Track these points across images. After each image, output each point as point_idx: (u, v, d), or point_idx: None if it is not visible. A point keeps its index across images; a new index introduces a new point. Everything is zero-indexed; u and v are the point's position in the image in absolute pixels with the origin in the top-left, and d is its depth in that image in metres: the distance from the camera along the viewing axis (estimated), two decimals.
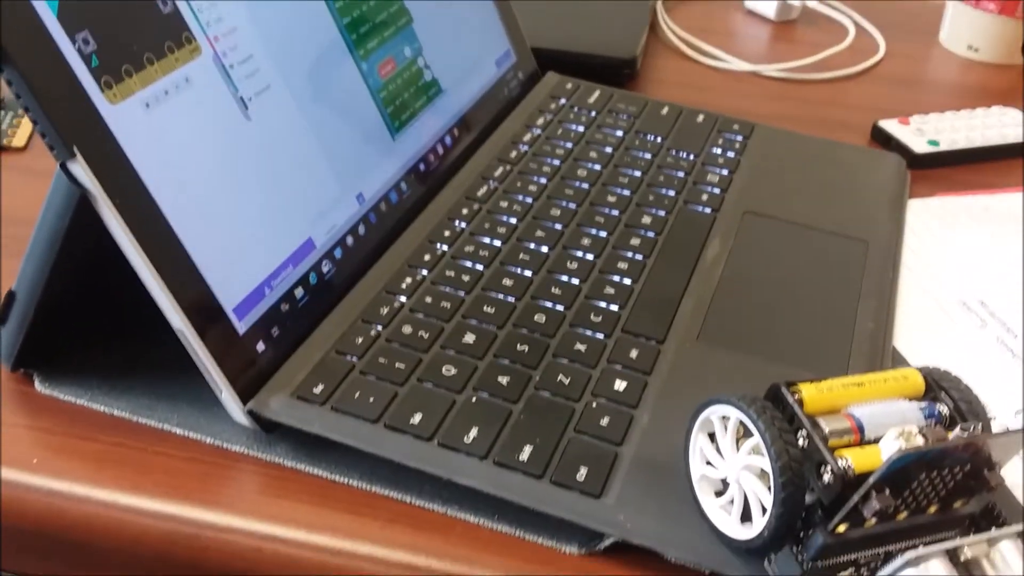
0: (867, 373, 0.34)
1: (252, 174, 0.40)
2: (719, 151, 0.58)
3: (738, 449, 0.33)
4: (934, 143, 0.62)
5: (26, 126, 0.59)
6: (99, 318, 0.42)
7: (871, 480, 0.29)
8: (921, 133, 0.63)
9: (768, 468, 0.31)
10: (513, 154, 0.56)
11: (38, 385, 0.41)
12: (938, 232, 0.54)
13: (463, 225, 0.49)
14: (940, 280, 0.50)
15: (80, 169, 0.33)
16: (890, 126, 0.64)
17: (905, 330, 0.46)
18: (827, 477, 0.31)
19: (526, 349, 0.42)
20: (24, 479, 0.38)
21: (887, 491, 0.30)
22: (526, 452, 0.37)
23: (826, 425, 0.32)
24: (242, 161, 0.40)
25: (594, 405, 0.39)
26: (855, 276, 0.49)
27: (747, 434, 0.33)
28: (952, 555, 0.30)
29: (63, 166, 0.34)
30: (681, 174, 0.56)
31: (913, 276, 0.50)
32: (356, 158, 0.47)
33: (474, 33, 0.59)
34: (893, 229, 0.53)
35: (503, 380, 0.40)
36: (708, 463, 0.35)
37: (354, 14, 0.48)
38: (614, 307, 0.45)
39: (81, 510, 0.37)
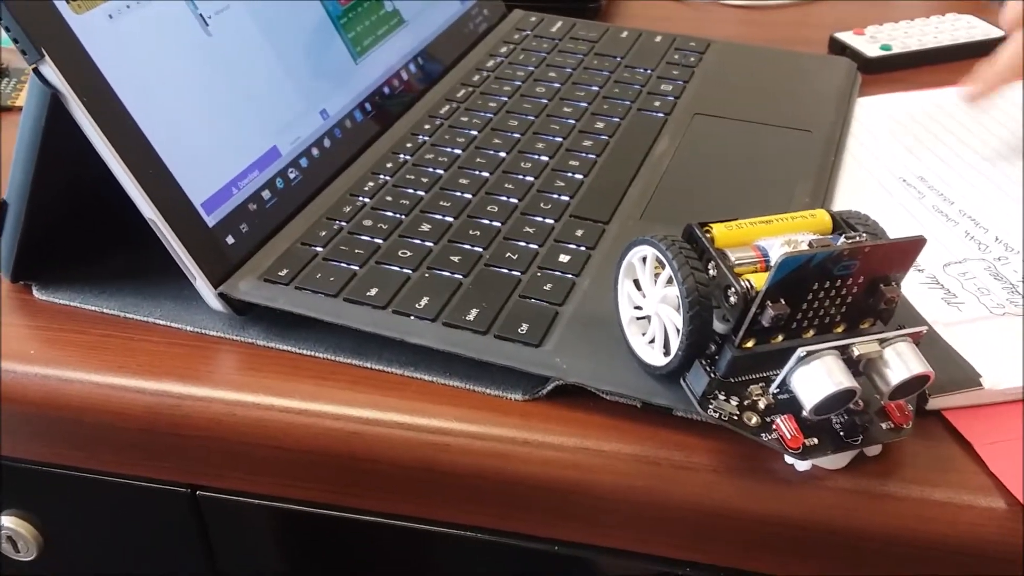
0: (777, 215, 0.37)
1: (215, 84, 0.44)
2: (675, 64, 0.61)
3: (656, 284, 0.36)
4: (886, 47, 0.64)
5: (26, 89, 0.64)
6: (88, 229, 0.46)
7: (763, 287, 0.32)
8: (875, 40, 0.65)
9: (679, 293, 0.34)
10: (476, 78, 0.59)
11: (36, 292, 0.45)
12: (884, 123, 0.56)
13: (425, 138, 0.53)
14: (882, 162, 0.52)
15: (49, 70, 0.37)
16: (845, 37, 0.66)
17: (843, 204, 0.49)
18: (732, 299, 0.34)
19: (478, 234, 0.45)
20: (23, 368, 0.41)
21: (782, 300, 0.32)
22: (473, 313, 0.40)
23: (733, 255, 0.35)
24: (205, 72, 0.44)
25: (538, 275, 0.42)
26: (795, 161, 0.51)
27: (663, 269, 0.36)
28: (845, 353, 0.33)
29: (35, 70, 0.38)
30: (637, 86, 0.59)
31: (856, 161, 0.53)
32: (318, 77, 0.50)
33: None
34: (838, 120, 0.55)
35: (454, 259, 0.43)
36: (635, 306, 0.38)
37: None
38: (564, 197, 0.48)
39: (73, 390, 0.41)
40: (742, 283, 0.33)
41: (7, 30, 0.37)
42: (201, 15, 0.44)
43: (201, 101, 0.43)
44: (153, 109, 0.40)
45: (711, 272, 0.35)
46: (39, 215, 0.43)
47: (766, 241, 0.35)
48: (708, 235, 0.36)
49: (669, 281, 0.35)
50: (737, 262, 0.35)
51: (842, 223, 0.37)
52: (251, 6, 0.47)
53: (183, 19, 0.43)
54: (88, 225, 0.46)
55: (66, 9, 0.38)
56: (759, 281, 0.34)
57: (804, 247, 0.33)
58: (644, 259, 0.37)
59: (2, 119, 0.61)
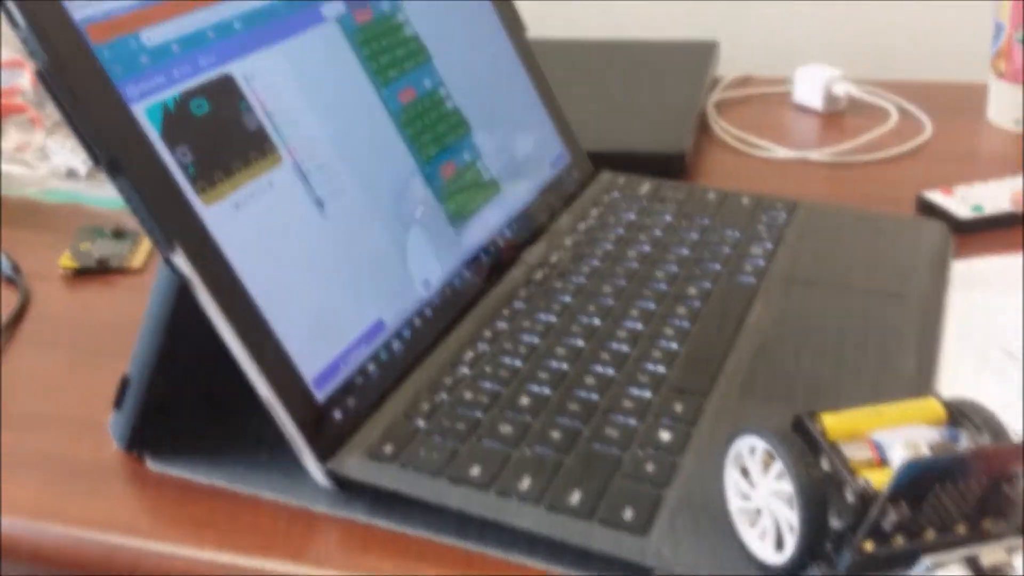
0: (888, 403, 0.37)
1: (328, 263, 0.46)
2: (763, 227, 0.62)
3: (766, 477, 0.36)
4: (978, 208, 0.64)
5: (142, 250, 0.67)
6: (200, 400, 0.48)
7: (884, 493, 0.31)
8: (965, 200, 0.65)
9: (792, 490, 0.34)
10: (568, 242, 0.61)
11: (148, 463, 0.46)
12: (982, 287, 0.56)
13: (521, 305, 0.54)
14: (983, 330, 0.52)
15: (181, 261, 0.40)
16: (934, 196, 0.66)
17: (947, 376, 0.48)
18: (849, 497, 0.33)
19: (577, 408, 0.45)
20: (136, 544, 0.42)
21: (903, 504, 0.32)
22: (576, 496, 0.40)
23: (847, 450, 0.35)
24: (319, 252, 0.46)
25: (640, 454, 0.42)
26: (895, 329, 0.51)
27: (774, 462, 0.35)
28: (973, 564, 0.32)
29: (166, 259, 0.40)
30: (727, 250, 0.59)
31: (957, 329, 0.52)
32: (422, 249, 0.52)
33: (529, 138, 0.65)
34: (935, 286, 0.55)
35: (555, 435, 0.43)
36: (744, 496, 0.37)
37: (417, 126, 0.55)
38: (661, 368, 0.48)
39: (180, 566, 0.42)
40: (859, 481, 0.33)
41: (142, 222, 0.39)
42: (318, 198, 0.46)
43: (316, 280, 0.45)
44: (272, 292, 0.42)
45: (824, 467, 0.34)
46: (158, 389, 0.44)
47: (880, 436, 0.35)
48: (819, 427, 0.36)
49: (780, 474, 0.35)
50: (851, 458, 0.34)
51: (957, 415, 0.36)
52: (363, 186, 0.49)
53: (302, 203, 0.46)
54: (201, 396, 0.48)
55: (197, 202, 0.41)
56: (875, 478, 0.33)
57: (924, 448, 0.33)
58: (752, 449, 0.37)
59: (119, 281, 0.64)
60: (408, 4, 0.57)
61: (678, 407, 0.45)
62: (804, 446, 0.34)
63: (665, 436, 0.43)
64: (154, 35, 0.41)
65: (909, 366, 0.48)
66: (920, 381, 0.47)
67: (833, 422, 0.36)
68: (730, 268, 0.57)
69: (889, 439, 0.35)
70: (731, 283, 0.56)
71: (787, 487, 0.34)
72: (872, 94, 0.88)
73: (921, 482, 0.32)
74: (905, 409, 0.36)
